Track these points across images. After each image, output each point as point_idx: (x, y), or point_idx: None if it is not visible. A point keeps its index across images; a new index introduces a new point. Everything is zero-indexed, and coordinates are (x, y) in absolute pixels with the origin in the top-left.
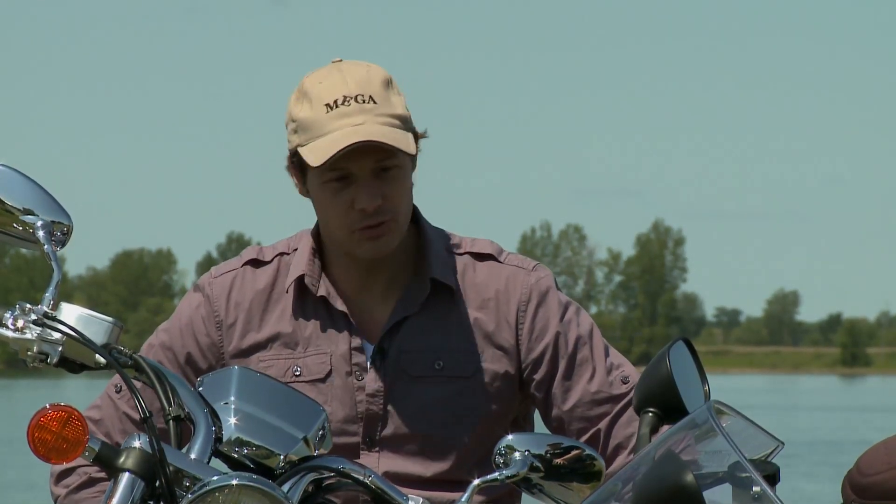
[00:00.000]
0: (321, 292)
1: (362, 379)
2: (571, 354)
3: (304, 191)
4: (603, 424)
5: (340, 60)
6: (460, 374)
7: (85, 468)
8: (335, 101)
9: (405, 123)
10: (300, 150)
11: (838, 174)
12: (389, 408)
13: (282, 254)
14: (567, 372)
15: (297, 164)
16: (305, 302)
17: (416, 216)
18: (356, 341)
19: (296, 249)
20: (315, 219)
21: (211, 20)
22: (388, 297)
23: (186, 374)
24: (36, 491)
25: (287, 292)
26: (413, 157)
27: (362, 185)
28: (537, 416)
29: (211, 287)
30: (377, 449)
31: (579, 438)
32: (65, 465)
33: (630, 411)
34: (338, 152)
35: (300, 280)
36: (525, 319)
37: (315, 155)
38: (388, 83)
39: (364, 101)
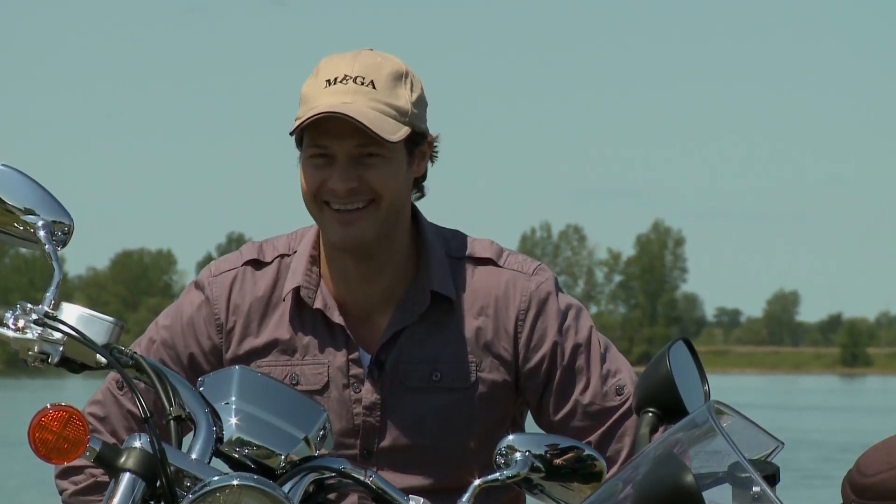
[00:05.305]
0: (317, 304)
1: (359, 391)
2: (568, 364)
3: None
4: (594, 438)
5: (371, 49)
6: (458, 385)
7: (92, 469)
8: (335, 79)
9: (402, 116)
10: (296, 121)
11: (838, 174)
12: (387, 420)
13: (282, 255)
14: (562, 382)
15: (297, 140)
16: (303, 311)
17: (417, 219)
18: (353, 353)
19: (296, 251)
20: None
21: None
22: (386, 307)
23: (188, 375)
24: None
25: (285, 300)
26: (413, 153)
27: (338, 167)
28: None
29: (211, 287)
30: (375, 461)
31: None
32: (68, 465)
33: (623, 425)
34: (305, 119)
35: (297, 290)
36: (524, 328)
37: (295, 123)
38: (402, 76)
39: (363, 84)
